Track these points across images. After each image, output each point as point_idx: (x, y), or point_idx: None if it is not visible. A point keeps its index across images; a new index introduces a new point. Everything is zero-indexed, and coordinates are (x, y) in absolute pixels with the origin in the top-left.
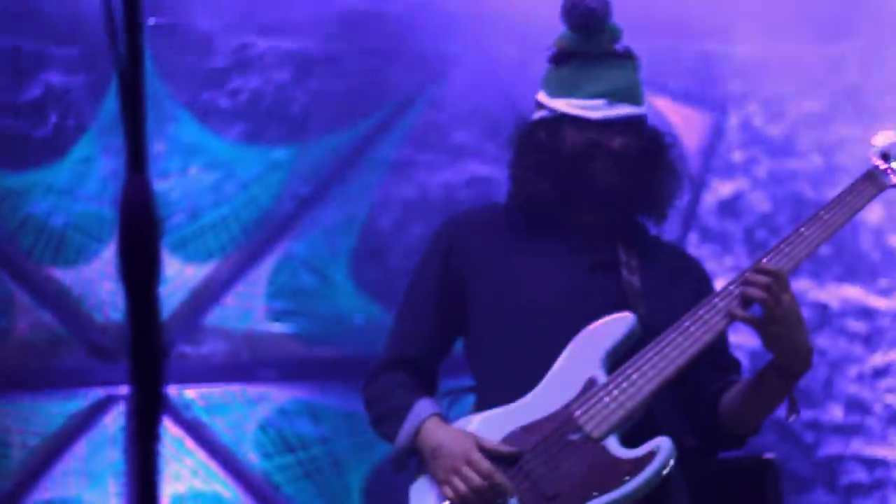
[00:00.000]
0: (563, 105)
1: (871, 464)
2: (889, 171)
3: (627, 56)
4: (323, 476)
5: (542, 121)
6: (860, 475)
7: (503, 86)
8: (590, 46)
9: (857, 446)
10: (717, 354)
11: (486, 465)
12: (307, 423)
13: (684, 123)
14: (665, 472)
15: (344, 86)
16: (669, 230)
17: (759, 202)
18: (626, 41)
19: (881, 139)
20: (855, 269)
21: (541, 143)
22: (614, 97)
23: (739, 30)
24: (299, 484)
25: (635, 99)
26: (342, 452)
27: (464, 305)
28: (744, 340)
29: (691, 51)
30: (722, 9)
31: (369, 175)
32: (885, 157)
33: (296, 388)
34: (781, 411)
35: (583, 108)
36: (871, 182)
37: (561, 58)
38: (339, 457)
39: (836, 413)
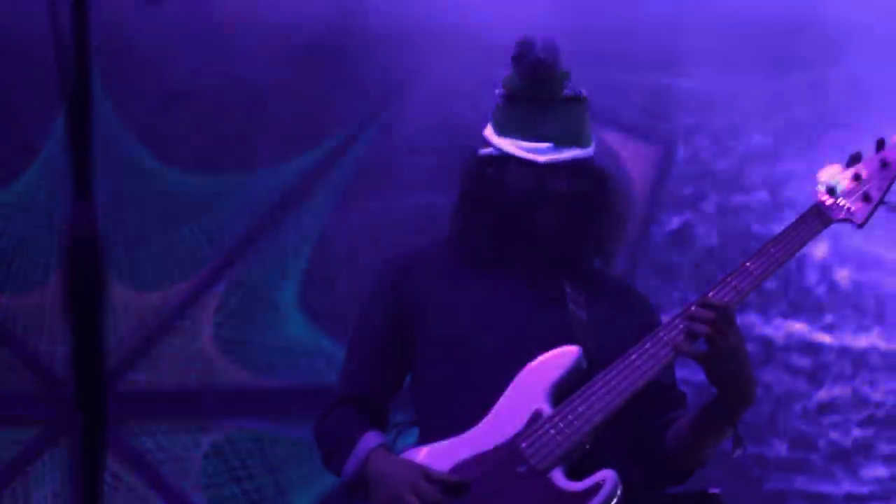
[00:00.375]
0: (510, 145)
1: (816, 499)
2: (835, 205)
3: (576, 99)
4: None
5: (489, 158)
6: None
7: (454, 116)
8: (538, 92)
9: (802, 482)
10: (663, 388)
11: (431, 493)
12: (254, 452)
13: (633, 157)
14: (612, 503)
15: (295, 114)
16: (617, 263)
17: (707, 236)
18: (577, 74)
19: (827, 174)
20: (800, 305)
21: (486, 180)
22: (561, 141)
23: (688, 63)
24: None
25: (583, 141)
26: (288, 482)
27: (411, 340)
28: (689, 375)
29: (640, 84)
30: (671, 43)
31: (319, 203)
32: (831, 191)
33: (243, 417)
34: (727, 445)
35: (529, 150)
36: (817, 216)
37: (508, 100)
38: (285, 486)
39: (780, 448)
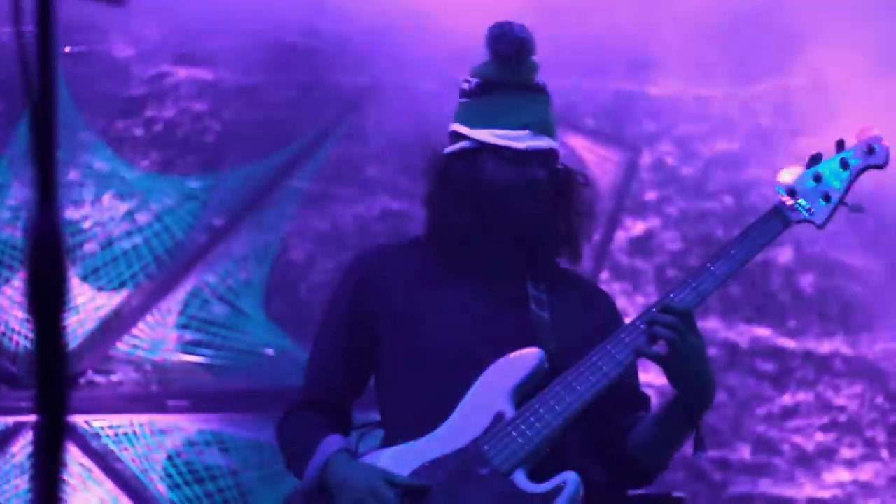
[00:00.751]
0: (487, 135)
1: (779, 503)
2: (795, 207)
3: (544, 91)
4: None
5: (460, 153)
6: None
7: (418, 121)
8: (513, 76)
9: (765, 486)
10: (626, 390)
11: (392, 498)
12: (216, 454)
13: (598, 161)
14: None
15: (259, 117)
16: (581, 267)
17: (671, 241)
18: (544, 78)
19: (788, 175)
20: (764, 310)
21: (460, 175)
22: (537, 129)
23: (655, 70)
24: None
25: (553, 134)
26: (250, 484)
27: (375, 342)
28: (654, 379)
29: (607, 90)
30: (637, 49)
31: (283, 207)
32: (792, 193)
33: (205, 419)
34: (691, 448)
35: (508, 138)
36: (778, 218)
37: (482, 88)
38: (246, 489)
39: (744, 453)
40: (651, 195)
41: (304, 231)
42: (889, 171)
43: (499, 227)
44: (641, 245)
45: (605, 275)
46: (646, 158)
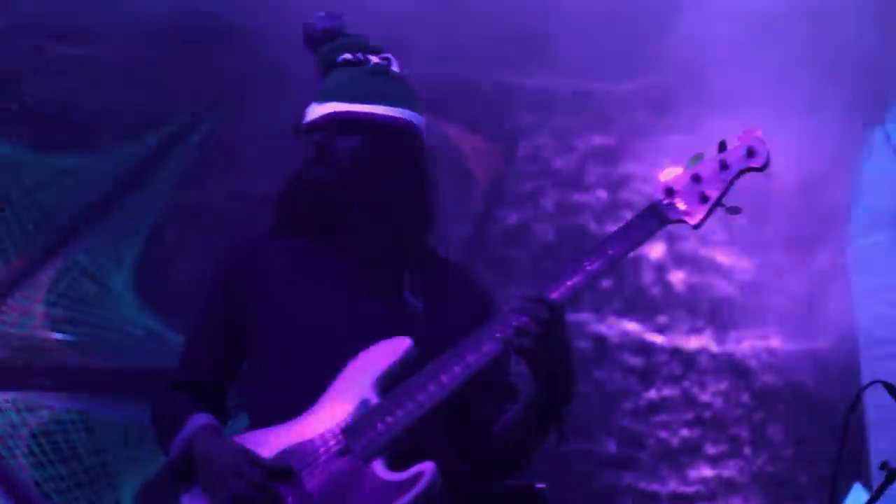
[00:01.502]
0: (329, 108)
1: (643, 497)
2: (671, 205)
3: (356, 62)
4: (95, 488)
5: (310, 131)
6: None
7: (296, 105)
8: (321, 62)
9: (629, 480)
10: (494, 381)
11: (255, 475)
12: (82, 433)
13: (474, 152)
14: (429, 495)
15: (136, 96)
16: (455, 258)
17: (545, 233)
18: (424, 68)
19: (667, 174)
20: (635, 305)
21: (310, 153)
22: (323, 97)
23: (532, 63)
24: (71, 495)
25: (357, 96)
26: (116, 464)
27: (246, 328)
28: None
29: (484, 81)
30: (515, 41)
31: (156, 187)
32: (669, 192)
33: (72, 397)
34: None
35: (348, 108)
36: (654, 216)
37: (325, 70)
38: (111, 469)
39: (609, 446)
40: (526, 187)
41: (177, 212)
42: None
43: (351, 201)
44: (515, 236)
45: (478, 265)
46: (522, 150)
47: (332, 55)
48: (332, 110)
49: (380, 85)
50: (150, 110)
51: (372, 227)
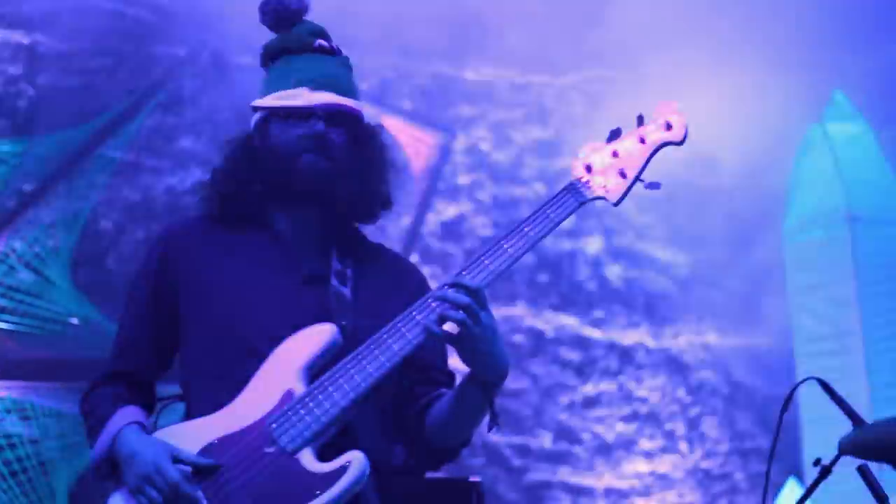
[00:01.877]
0: (269, 101)
1: (577, 492)
2: (590, 183)
3: (331, 51)
4: (29, 476)
5: (255, 126)
6: (565, 503)
7: (233, 95)
8: (290, 41)
9: (565, 474)
10: (426, 368)
11: (176, 475)
12: (16, 422)
13: (412, 144)
14: (357, 486)
15: (74, 84)
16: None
17: (482, 226)
18: (362, 59)
19: (586, 150)
20: (571, 299)
21: (251, 145)
22: (316, 84)
23: (472, 56)
24: (4, 483)
25: (342, 89)
26: (50, 454)
27: (178, 317)
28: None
29: (424, 72)
30: (455, 34)
31: (94, 175)
32: (589, 168)
33: (7, 386)
34: (487, 429)
35: (285, 97)
36: (572, 194)
37: (267, 59)
38: (46, 458)
39: (545, 440)
40: (464, 180)
41: (114, 200)
42: (695, 169)
43: (288, 188)
44: (452, 229)
45: (415, 257)
46: (460, 143)
47: (309, 39)
48: (329, 101)
49: (352, 79)
50: (89, 98)
51: (306, 218)
